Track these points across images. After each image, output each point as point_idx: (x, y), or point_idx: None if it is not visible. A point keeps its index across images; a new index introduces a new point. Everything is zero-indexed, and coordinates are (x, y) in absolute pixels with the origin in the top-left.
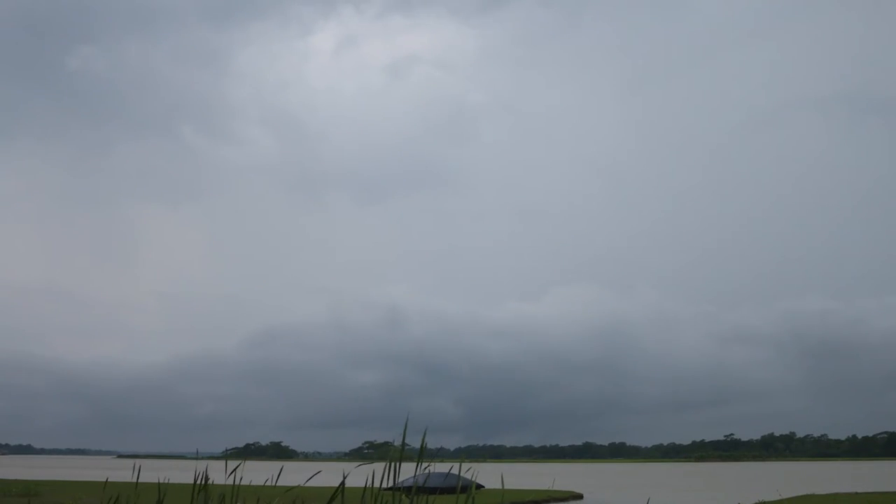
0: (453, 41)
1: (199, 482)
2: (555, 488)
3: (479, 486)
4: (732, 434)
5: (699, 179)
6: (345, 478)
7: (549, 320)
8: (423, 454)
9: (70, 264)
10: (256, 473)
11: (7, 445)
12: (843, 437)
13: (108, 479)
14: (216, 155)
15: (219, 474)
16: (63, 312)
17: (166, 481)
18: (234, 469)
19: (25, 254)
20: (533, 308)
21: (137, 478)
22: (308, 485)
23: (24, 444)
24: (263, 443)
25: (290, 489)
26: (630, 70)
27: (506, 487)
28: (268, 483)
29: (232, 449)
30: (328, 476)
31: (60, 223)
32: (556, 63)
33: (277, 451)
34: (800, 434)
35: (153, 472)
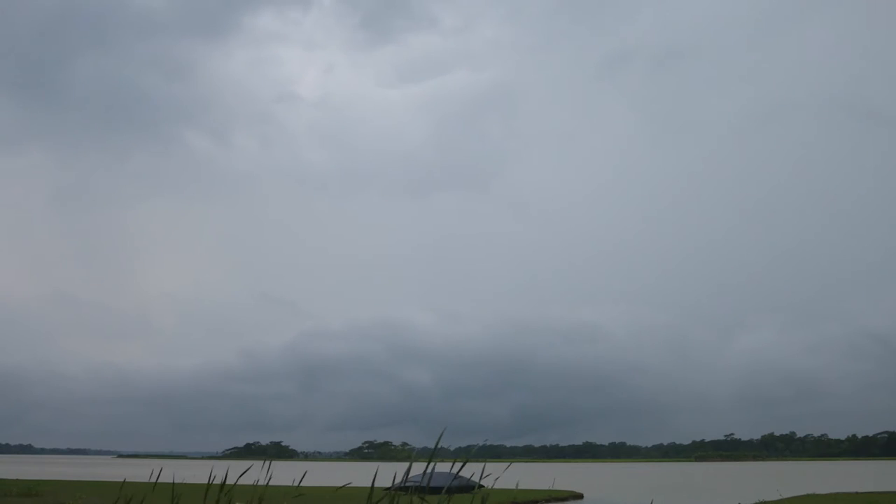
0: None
1: (215, 482)
2: (555, 488)
3: (480, 486)
4: (732, 434)
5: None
6: (374, 479)
7: (595, 325)
8: (434, 455)
9: (82, 270)
10: (257, 473)
11: (7, 445)
12: (843, 437)
13: (126, 479)
14: (230, 160)
15: (219, 474)
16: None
17: (182, 481)
18: (245, 471)
19: (33, 260)
20: (578, 312)
21: (157, 478)
22: (310, 484)
23: (25, 443)
24: (263, 443)
25: (295, 488)
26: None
27: (506, 487)
28: (258, 482)
29: (231, 449)
30: (329, 476)
31: (69, 228)
32: (567, 68)
33: (278, 451)
34: (800, 434)
35: (150, 472)
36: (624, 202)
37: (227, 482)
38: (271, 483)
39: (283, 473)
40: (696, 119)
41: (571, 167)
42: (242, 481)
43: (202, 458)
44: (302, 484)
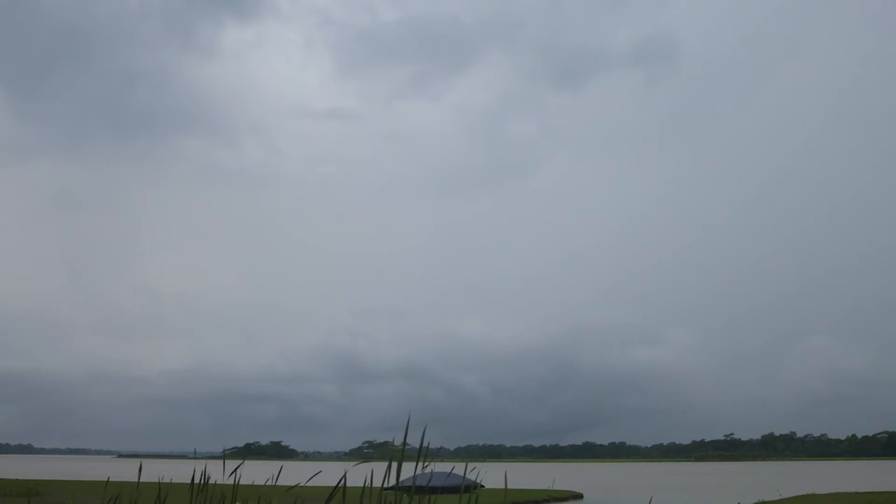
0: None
1: (199, 482)
2: (555, 488)
3: (480, 486)
4: (732, 434)
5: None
6: (345, 475)
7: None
8: (421, 453)
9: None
10: (258, 473)
11: (7, 445)
12: (842, 437)
13: (110, 479)
14: (246, 167)
15: (219, 474)
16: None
17: (170, 481)
18: (235, 469)
19: (38, 263)
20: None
21: (139, 476)
22: (309, 485)
23: (25, 443)
24: (263, 442)
25: (289, 488)
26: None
27: (506, 487)
28: (267, 482)
29: (232, 449)
30: (330, 476)
31: (82, 226)
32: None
33: (277, 451)
34: (800, 434)
35: (153, 472)
36: (655, 204)
37: (218, 482)
38: (268, 483)
39: (284, 474)
40: (747, 124)
41: (608, 169)
42: (229, 480)
43: (201, 458)
44: (280, 483)
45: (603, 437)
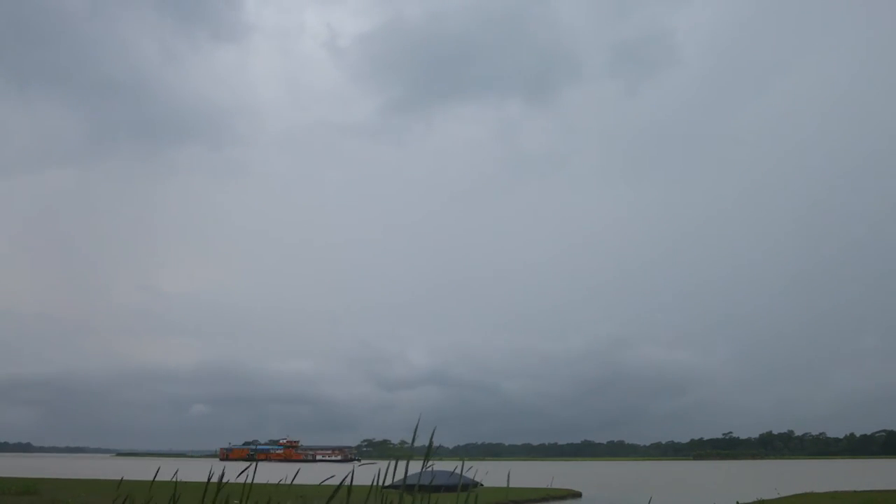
0: None
1: (214, 481)
2: (554, 486)
3: (479, 484)
4: (731, 432)
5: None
6: (352, 474)
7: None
8: (429, 453)
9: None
10: (259, 472)
11: (6, 444)
12: (841, 436)
13: (123, 478)
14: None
15: (220, 473)
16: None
17: (173, 480)
18: (244, 469)
19: (45, 265)
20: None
21: (155, 476)
22: (308, 483)
23: (24, 442)
24: (262, 441)
25: (288, 486)
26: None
27: (505, 486)
28: (268, 482)
29: (230, 448)
30: (321, 475)
31: (68, 234)
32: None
33: None
34: (798, 432)
35: (148, 470)
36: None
37: (222, 482)
38: (261, 483)
39: (285, 473)
40: (753, 117)
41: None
42: (239, 480)
43: (201, 456)
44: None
45: (601, 436)
